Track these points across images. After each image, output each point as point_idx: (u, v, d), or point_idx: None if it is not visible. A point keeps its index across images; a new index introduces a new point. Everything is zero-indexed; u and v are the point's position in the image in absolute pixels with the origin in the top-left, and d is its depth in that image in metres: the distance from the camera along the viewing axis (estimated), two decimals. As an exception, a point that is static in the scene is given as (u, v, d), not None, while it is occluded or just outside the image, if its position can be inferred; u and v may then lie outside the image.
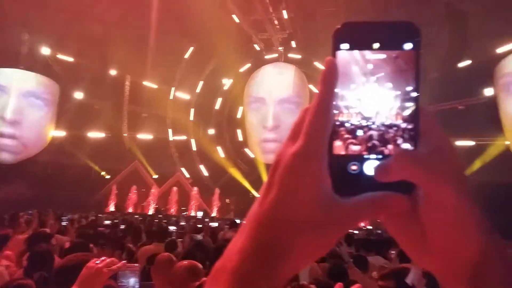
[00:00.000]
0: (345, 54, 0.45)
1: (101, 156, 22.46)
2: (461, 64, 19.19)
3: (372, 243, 5.58)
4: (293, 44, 22.59)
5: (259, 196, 0.45)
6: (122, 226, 8.61)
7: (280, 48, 23.23)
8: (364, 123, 0.44)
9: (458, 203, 0.42)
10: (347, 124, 0.44)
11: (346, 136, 0.44)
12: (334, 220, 0.41)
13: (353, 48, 0.45)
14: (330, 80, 0.44)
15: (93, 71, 22.54)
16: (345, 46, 0.45)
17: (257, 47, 23.21)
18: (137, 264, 2.22)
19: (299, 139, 0.43)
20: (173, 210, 21.37)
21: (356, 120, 0.44)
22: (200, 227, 9.74)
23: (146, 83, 24.09)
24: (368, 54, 0.44)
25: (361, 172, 0.43)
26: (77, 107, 22.45)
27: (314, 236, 0.41)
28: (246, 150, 23.59)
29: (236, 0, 19.77)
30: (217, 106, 24.77)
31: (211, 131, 24.56)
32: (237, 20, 20.78)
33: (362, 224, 19.46)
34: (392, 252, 5.76)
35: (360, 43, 0.45)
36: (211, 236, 8.62)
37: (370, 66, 0.44)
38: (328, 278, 4.18)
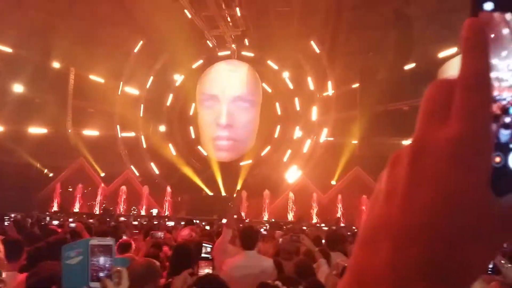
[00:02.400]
0: (488, 16, 0.36)
1: (44, 153, 21.17)
2: (407, 67, 20.17)
3: (333, 240, 5.69)
4: (246, 42, 22.56)
5: (384, 193, 0.35)
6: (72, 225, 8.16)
7: (233, 45, 23.13)
8: None
9: None
10: (498, 101, 0.35)
11: (497, 115, 0.35)
12: (502, 223, 0.34)
13: (499, 9, 0.36)
14: (482, 45, 0.35)
15: (34, 63, 21.23)
16: (488, 5, 0.36)
17: (209, 43, 22.94)
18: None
19: (454, 121, 0.34)
20: (122, 210, 20.66)
21: (508, 96, 0.35)
22: (155, 225, 9.49)
23: (92, 76, 23.05)
24: None
25: (504, 165, 0.34)
26: (17, 100, 21.01)
27: (488, 244, 0.34)
28: (199, 147, 23.32)
29: (188, -5, 19.38)
30: (168, 102, 24.23)
31: (162, 128, 23.98)
32: (189, 16, 20.40)
33: (315, 221, 19.89)
34: None
35: (507, 3, 0.36)
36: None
37: None
38: (295, 275, 4.20)
